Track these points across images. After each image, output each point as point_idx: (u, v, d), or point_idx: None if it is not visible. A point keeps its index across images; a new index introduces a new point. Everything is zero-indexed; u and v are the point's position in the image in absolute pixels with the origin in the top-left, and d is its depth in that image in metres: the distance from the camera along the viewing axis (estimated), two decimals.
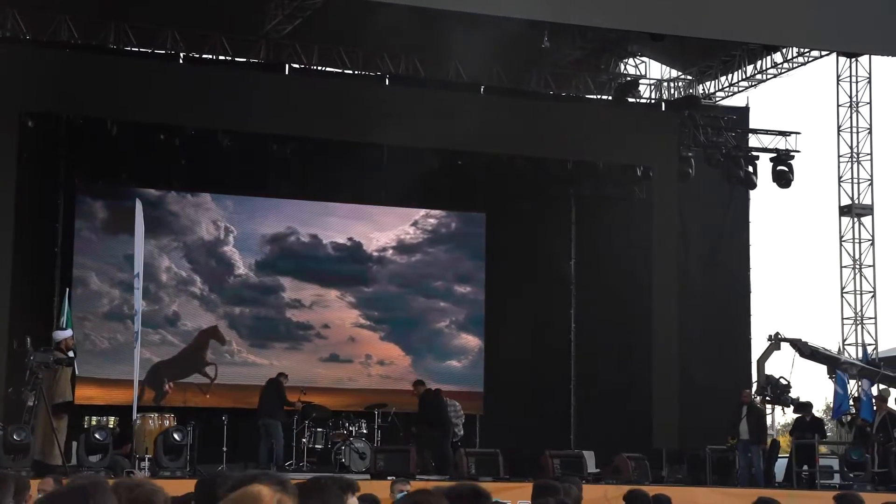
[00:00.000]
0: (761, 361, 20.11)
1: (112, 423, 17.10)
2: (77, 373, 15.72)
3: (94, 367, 21.14)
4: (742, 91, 25.68)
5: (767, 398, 19.60)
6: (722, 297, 25.01)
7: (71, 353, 15.61)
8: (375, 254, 23.94)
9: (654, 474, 22.05)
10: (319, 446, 20.11)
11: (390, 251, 24.02)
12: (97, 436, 14.48)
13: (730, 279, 25.36)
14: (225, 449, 19.07)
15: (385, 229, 24.10)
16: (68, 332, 15.79)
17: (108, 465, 14.62)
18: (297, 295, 23.30)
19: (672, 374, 23.58)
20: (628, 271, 24.00)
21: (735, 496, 18.49)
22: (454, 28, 22.10)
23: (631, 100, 25.11)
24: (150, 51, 22.41)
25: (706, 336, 24.19)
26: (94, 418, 17.84)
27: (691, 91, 25.64)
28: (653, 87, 25.86)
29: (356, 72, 23.69)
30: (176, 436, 15.18)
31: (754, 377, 21.70)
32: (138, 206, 16.69)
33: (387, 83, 23.82)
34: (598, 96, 24.97)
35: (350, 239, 23.80)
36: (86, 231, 22.05)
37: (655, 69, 26.07)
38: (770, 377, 19.93)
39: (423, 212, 24.36)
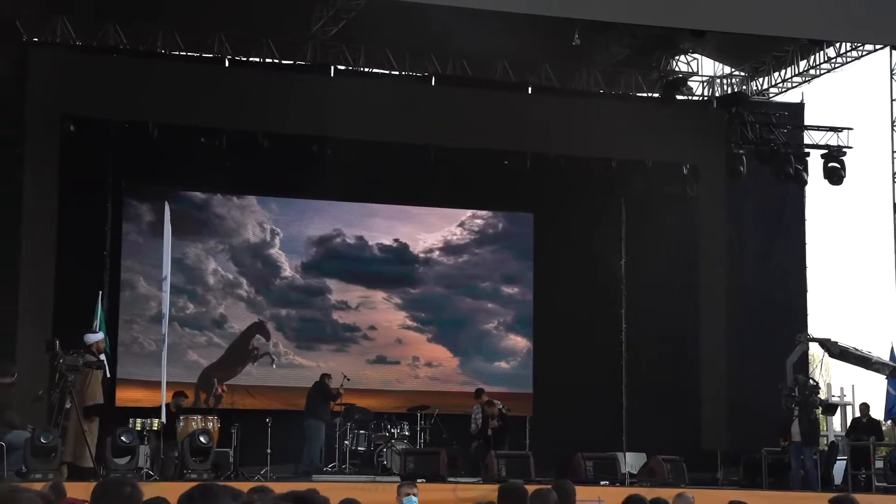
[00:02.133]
0: (789, 362, 19.74)
1: (156, 425, 17.10)
2: (108, 375, 15.80)
3: (140, 369, 21.35)
4: (795, 87, 25.29)
5: (795, 400, 19.21)
6: (777, 297, 24.60)
7: (102, 357, 15.72)
8: (422, 255, 23.90)
9: (708, 477, 21.85)
10: (362, 448, 20.09)
11: (437, 252, 23.97)
12: (124, 438, 14.55)
13: (785, 278, 24.96)
14: (269, 451, 19.04)
15: (431, 230, 24.05)
16: (100, 336, 15.89)
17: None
18: (344, 297, 23.32)
19: (722, 374, 23.26)
20: (678, 271, 23.71)
21: (778, 499, 18.20)
22: (502, 27, 22.08)
23: (680, 97, 24.90)
24: (197, 55, 22.58)
25: (759, 335, 23.79)
26: (139, 420, 17.88)
27: (744, 87, 25.30)
28: (705, 83, 25.55)
29: (403, 73, 23.65)
30: (202, 438, 15.21)
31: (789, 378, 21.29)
32: (167, 209, 16.75)
33: (433, 83, 23.73)
34: (648, 94, 24.69)
35: (396, 240, 23.78)
36: (133, 234, 22.26)
37: (708, 66, 25.86)
38: (798, 378, 19.58)
39: (469, 212, 24.28)
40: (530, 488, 8.44)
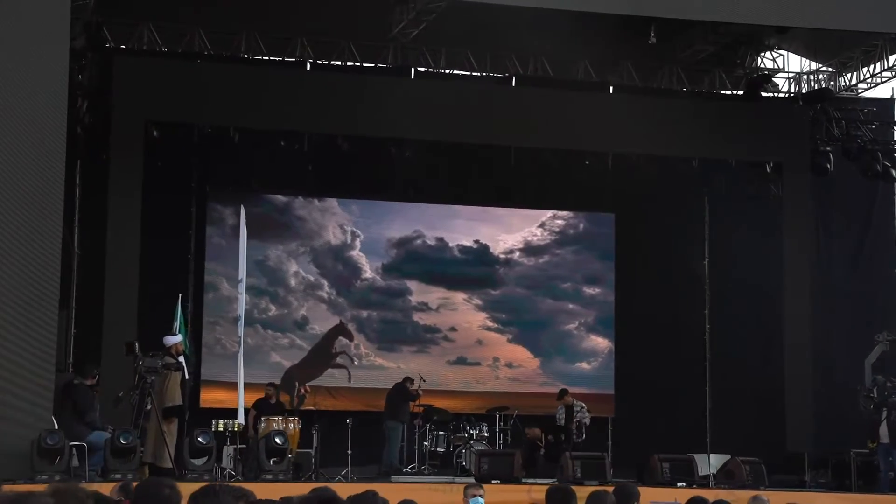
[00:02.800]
0: (868, 362, 19.37)
1: (236, 426, 17.26)
2: (187, 377, 16.00)
3: (225, 370, 21.54)
4: (885, 82, 24.80)
5: (873, 401, 18.84)
6: (865, 296, 24.19)
7: (181, 359, 15.93)
8: (502, 256, 23.86)
9: (795, 479, 21.55)
10: (441, 449, 20.14)
11: (517, 253, 23.92)
12: (200, 439, 14.72)
13: (873, 277, 24.53)
14: (350, 452, 19.15)
15: (512, 231, 24.02)
16: (178, 338, 16.08)
17: None
18: (424, 298, 23.38)
19: (807, 375, 22.92)
20: (762, 270, 23.43)
21: (867, 502, 17.91)
22: (583, 27, 22.00)
23: (764, 94, 24.63)
24: (279, 59, 22.76)
25: (847, 336, 23.39)
26: (221, 421, 18.05)
27: (831, 84, 24.90)
28: (792, 80, 25.20)
29: (483, 73, 23.64)
30: (277, 439, 15.33)
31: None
32: (242, 212, 16.92)
33: (513, 84, 23.69)
34: (732, 92, 24.42)
35: (476, 241, 23.78)
36: (216, 237, 22.50)
37: (794, 62, 25.48)
38: (877, 379, 19.20)
39: (550, 213, 24.18)
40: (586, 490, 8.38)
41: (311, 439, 19.17)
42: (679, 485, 16.10)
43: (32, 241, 14.28)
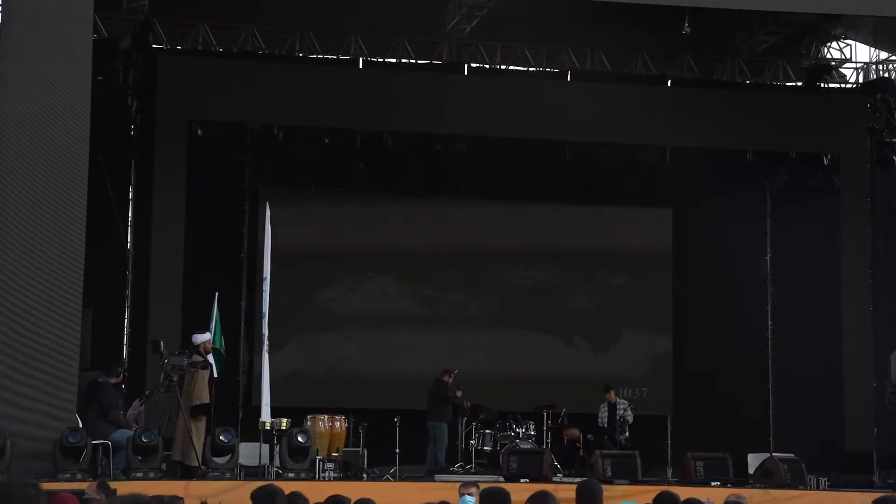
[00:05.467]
0: (894, 357, 18.74)
1: (284, 424, 17.25)
2: (215, 375, 16.01)
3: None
4: None
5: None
6: None
7: (210, 357, 15.96)
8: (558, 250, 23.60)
9: (862, 480, 21.02)
10: (488, 448, 19.92)
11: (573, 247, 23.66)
12: (222, 437, 14.73)
13: None
14: (398, 451, 19.03)
15: (568, 225, 23.70)
16: (206, 336, 16.09)
17: None
18: None
19: (869, 374, 22.32)
20: (822, 265, 22.91)
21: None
22: (640, 20, 21.69)
23: (833, 85, 24.09)
24: (334, 57, 22.76)
25: None
26: (268, 420, 18.01)
27: None
28: (859, 70, 24.57)
29: (539, 69, 23.41)
30: (300, 438, 15.28)
31: None
32: (267, 210, 16.89)
33: (569, 79, 23.43)
34: (793, 83, 23.87)
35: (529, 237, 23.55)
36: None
37: (862, 52, 24.84)
38: None
39: (606, 208, 23.81)
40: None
41: (360, 438, 19.17)
42: (713, 484, 15.74)
43: (55, 240, 14.39)
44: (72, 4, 14.87)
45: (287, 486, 14.79)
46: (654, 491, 13.54)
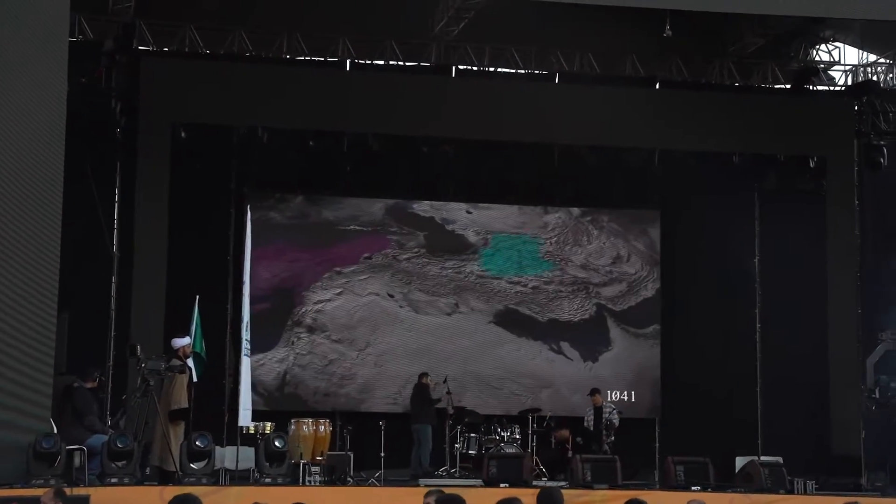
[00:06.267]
0: (870, 362, 18.66)
1: (268, 428, 17.17)
2: (194, 380, 15.93)
3: None
4: None
5: (876, 402, 18.15)
6: None
7: (189, 361, 15.88)
8: (547, 253, 23.50)
9: (852, 482, 20.94)
10: (472, 452, 19.85)
11: (563, 250, 23.58)
12: (198, 443, 14.63)
13: None
14: (383, 454, 18.96)
15: (556, 228, 23.62)
16: (186, 340, 16.03)
17: None
18: None
19: (854, 376, 22.24)
20: (810, 267, 22.83)
21: None
22: (629, 22, 21.62)
23: (822, 88, 23.99)
24: (322, 59, 22.66)
25: None
26: (252, 424, 17.95)
27: (889, 76, 24.13)
28: (848, 73, 24.47)
29: (527, 71, 23.31)
30: (276, 442, 15.19)
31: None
32: (248, 214, 16.82)
33: (557, 81, 23.32)
34: (779, 86, 23.77)
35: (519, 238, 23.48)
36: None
37: (852, 54, 24.75)
38: (880, 379, 18.50)
39: (594, 210, 23.72)
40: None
41: (346, 442, 19.12)
42: (693, 488, 15.67)
43: (30, 245, 14.31)
44: (48, 5, 14.78)
45: (265, 492, 14.80)
46: (633, 496, 13.50)
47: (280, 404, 21.74)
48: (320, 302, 22.52)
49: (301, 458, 17.05)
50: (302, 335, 22.34)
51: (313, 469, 16.88)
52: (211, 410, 19.29)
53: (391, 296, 22.79)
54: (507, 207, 23.38)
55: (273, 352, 22.16)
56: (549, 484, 16.73)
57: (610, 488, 15.35)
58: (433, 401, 20.09)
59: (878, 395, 18.38)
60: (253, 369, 21.23)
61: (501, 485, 15.38)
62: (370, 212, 22.86)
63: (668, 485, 16.04)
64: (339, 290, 22.59)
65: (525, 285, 23.24)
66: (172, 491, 13.66)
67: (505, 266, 23.19)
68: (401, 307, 22.81)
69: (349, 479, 17.57)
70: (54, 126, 14.66)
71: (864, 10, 19.10)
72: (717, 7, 19.11)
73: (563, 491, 15.15)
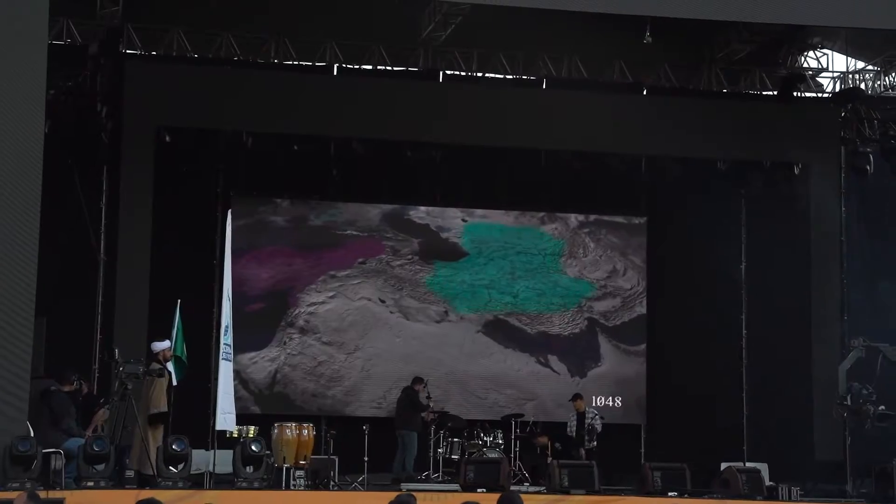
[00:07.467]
0: (842, 369, 18.64)
1: (252, 432, 17.18)
2: (174, 384, 15.91)
3: None
4: None
5: (847, 409, 18.12)
6: None
7: (169, 365, 15.88)
8: (534, 259, 23.51)
9: (837, 489, 20.93)
10: (455, 457, 19.85)
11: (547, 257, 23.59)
12: (175, 447, 14.63)
13: None
14: (366, 459, 18.98)
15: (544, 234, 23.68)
16: (165, 344, 16.00)
17: None
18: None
19: (836, 384, 22.22)
20: (793, 273, 22.86)
21: None
22: (617, 28, 21.61)
23: (809, 94, 24.00)
24: (310, 63, 22.68)
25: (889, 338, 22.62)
26: (237, 428, 17.96)
27: (877, 83, 24.15)
28: (836, 80, 24.49)
29: (515, 76, 23.33)
30: (253, 447, 15.18)
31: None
32: (229, 218, 16.80)
33: (544, 87, 23.34)
34: (767, 92, 23.80)
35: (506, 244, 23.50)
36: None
37: (840, 61, 24.76)
38: (852, 386, 18.46)
39: (581, 216, 23.72)
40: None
41: (330, 446, 19.10)
42: (670, 494, 15.68)
43: (7, 248, 14.29)
44: (26, 8, 14.79)
45: (241, 496, 14.81)
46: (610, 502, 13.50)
47: (269, 402, 21.80)
48: (313, 304, 22.59)
49: (284, 462, 17.05)
50: (294, 336, 22.43)
51: (297, 473, 16.86)
52: (197, 414, 19.27)
53: (382, 301, 22.82)
54: (504, 216, 23.41)
55: (266, 350, 22.26)
56: (531, 489, 16.73)
57: (587, 494, 15.33)
58: (423, 407, 20.12)
59: (849, 402, 18.32)
60: (245, 367, 21.66)
61: (479, 490, 15.36)
62: (367, 217, 22.93)
63: (646, 491, 16.02)
64: (332, 294, 22.64)
65: (516, 296, 23.24)
66: (147, 495, 13.67)
67: (497, 276, 23.22)
68: (391, 313, 22.85)
69: (333, 483, 17.56)
70: (33, 130, 14.64)
71: (848, 19, 19.09)
72: (703, 14, 19.08)
73: (540, 496, 15.34)
